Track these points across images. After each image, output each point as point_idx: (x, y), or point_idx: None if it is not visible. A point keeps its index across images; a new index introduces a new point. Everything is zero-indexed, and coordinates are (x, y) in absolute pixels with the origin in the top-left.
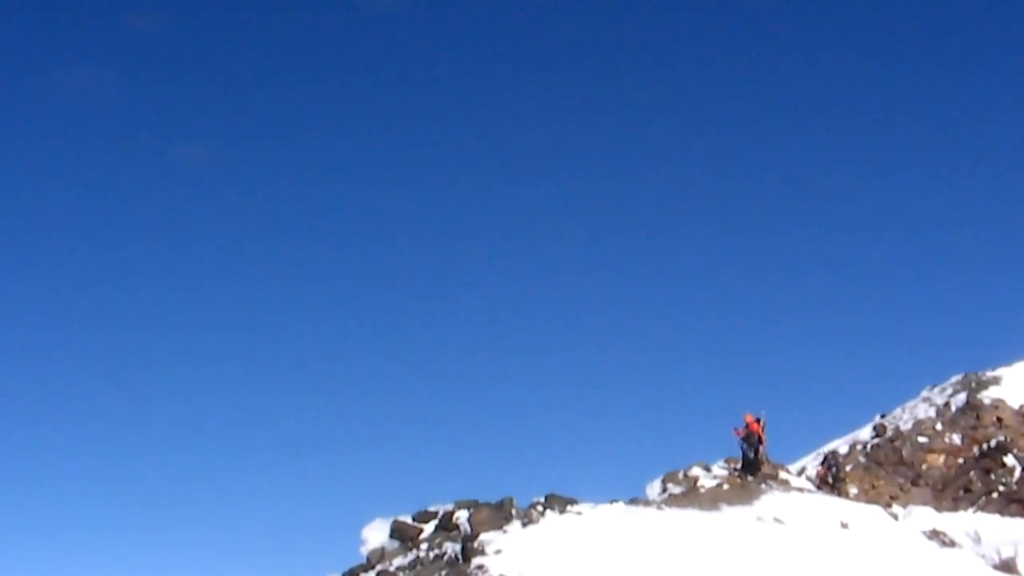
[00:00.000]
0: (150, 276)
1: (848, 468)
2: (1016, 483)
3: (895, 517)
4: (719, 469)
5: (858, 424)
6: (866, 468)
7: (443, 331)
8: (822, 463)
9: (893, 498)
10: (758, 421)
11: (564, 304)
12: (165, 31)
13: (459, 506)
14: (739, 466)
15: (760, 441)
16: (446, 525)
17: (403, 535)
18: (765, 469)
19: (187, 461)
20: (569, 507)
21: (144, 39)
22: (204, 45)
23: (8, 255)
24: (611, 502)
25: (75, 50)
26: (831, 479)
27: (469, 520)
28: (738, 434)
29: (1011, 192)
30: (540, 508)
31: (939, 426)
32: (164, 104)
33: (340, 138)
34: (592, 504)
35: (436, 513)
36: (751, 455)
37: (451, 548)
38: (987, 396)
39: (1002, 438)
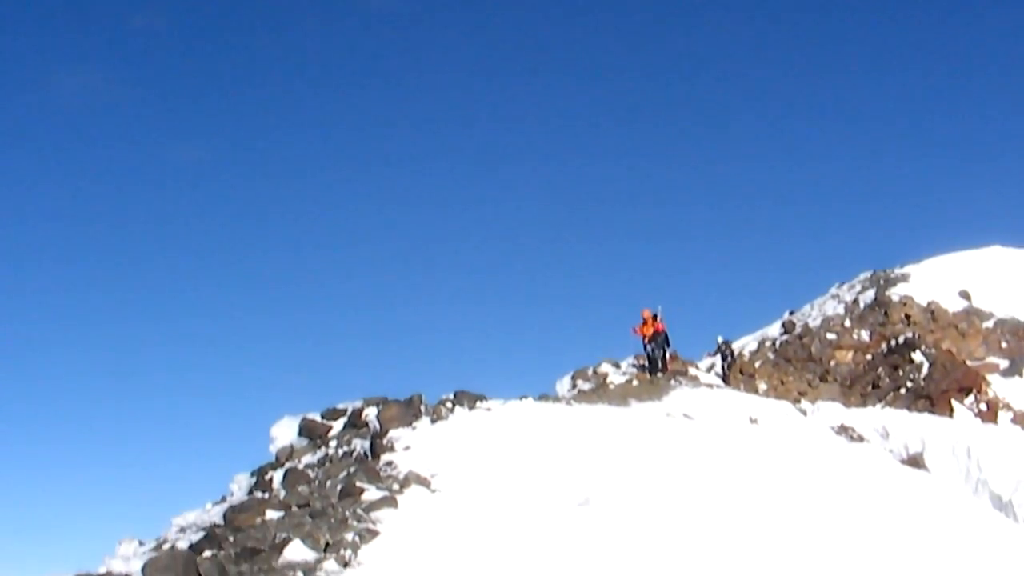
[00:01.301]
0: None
1: (757, 364)
2: (923, 379)
3: (804, 413)
4: (628, 366)
5: (767, 321)
6: (775, 364)
7: (352, 227)
8: (714, 352)
9: (802, 394)
10: (655, 317)
11: (470, 201)
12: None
13: (368, 403)
14: (646, 364)
15: (667, 339)
16: (355, 422)
17: (312, 433)
18: (675, 366)
19: (93, 356)
20: (478, 403)
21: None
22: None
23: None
24: (521, 398)
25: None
26: (725, 368)
27: (378, 417)
28: (639, 333)
29: (926, 93)
30: (449, 405)
31: (847, 323)
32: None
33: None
34: (501, 401)
35: (345, 411)
36: (659, 353)
37: (360, 445)
38: (895, 293)
39: (910, 335)
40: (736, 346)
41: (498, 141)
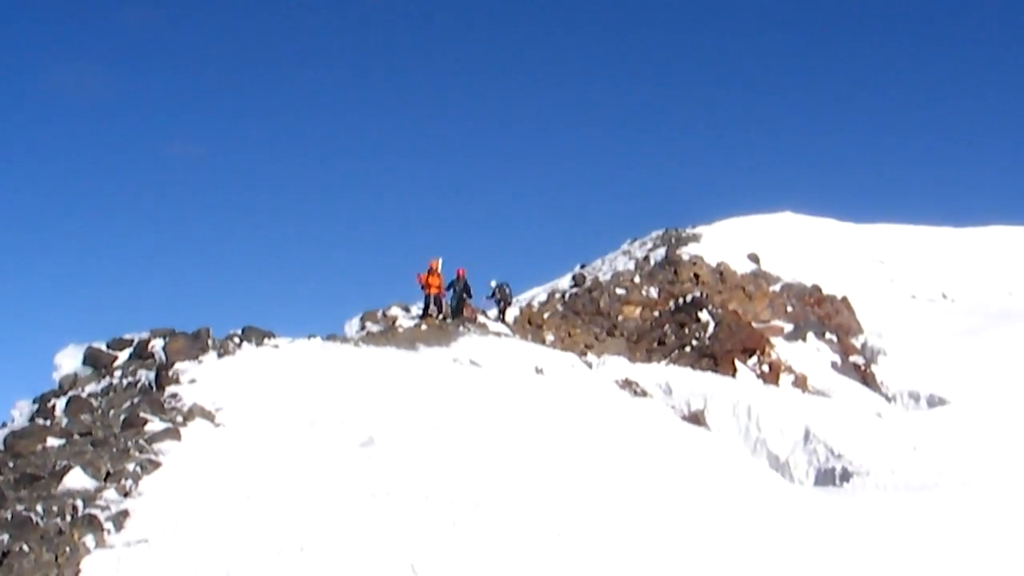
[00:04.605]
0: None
1: (546, 316)
2: (709, 338)
3: (589, 365)
4: (418, 310)
5: (558, 273)
6: (563, 316)
7: (145, 163)
8: (489, 295)
9: (588, 347)
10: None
11: (270, 138)
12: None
13: (155, 335)
14: (431, 310)
15: (468, 288)
16: (141, 353)
17: (97, 362)
18: (466, 313)
19: None
20: (266, 340)
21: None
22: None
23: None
24: (309, 337)
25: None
26: (500, 311)
27: (164, 349)
28: (422, 280)
29: (729, 59)
30: (237, 340)
31: (637, 279)
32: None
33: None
34: (289, 339)
35: (131, 341)
36: (453, 303)
37: (145, 376)
38: (686, 252)
39: (698, 294)
40: (526, 297)
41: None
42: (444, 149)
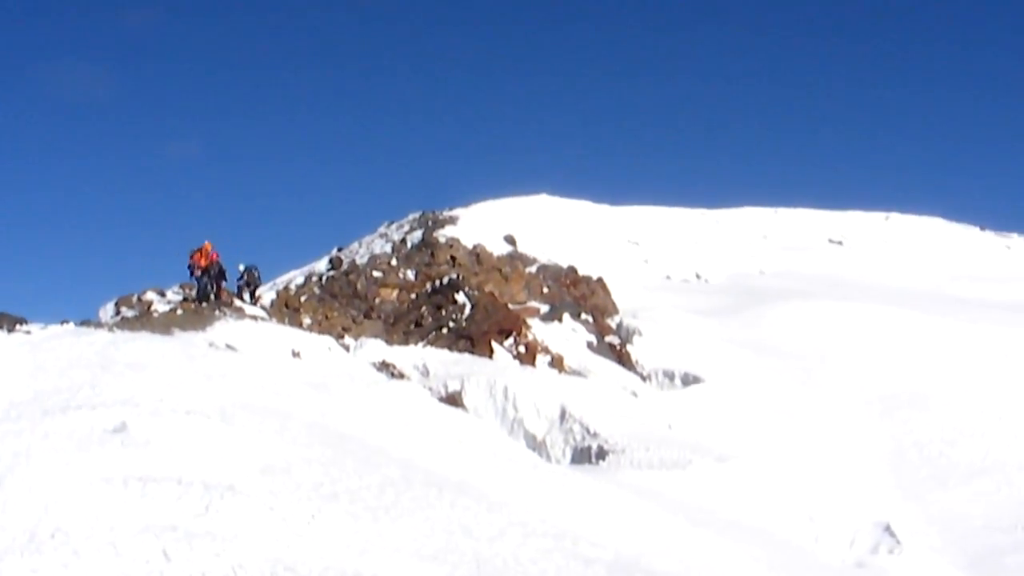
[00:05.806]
0: None
1: (303, 299)
2: (466, 320)
3: (347, 348)
4: (173, 295)
5: (315, 256)
6: (320, 299)
7: None
8: (238, 278)
9: (346, 330)
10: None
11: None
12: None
13: None
14: (196, 293)
15: (222, 272)
16: None
17: None
18: (223, 297)
19: None
20: (18, 326)
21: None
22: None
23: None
24: (62, 323)
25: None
26: (250, 295)
27: None
28: (195, 261)
29: (472, 35)
30: None
31: (394, 261)
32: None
33: None
34: (42, 324)
35: None
36: (212, 285)
37: None
38: (443, 235)
39: (455, 276)
40: (283, 280)
41: None
42: (198, 135)
